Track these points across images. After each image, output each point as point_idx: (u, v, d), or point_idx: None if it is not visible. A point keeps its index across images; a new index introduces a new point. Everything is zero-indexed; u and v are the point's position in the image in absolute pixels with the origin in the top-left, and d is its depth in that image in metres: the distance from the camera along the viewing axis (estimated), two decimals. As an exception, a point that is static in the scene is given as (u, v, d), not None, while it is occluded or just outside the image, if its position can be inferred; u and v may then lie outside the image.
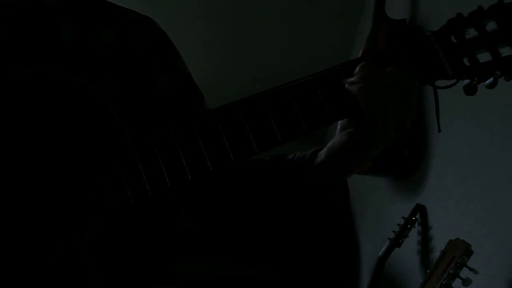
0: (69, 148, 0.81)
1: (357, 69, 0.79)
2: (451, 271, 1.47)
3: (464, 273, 1.46)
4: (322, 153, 0.85)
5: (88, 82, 0.82)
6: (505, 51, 0.78)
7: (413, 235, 2.04)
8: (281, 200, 0.91)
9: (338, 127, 0.83)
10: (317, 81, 0.79)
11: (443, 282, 1.48)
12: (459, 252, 1.47)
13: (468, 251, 1.47)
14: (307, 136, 0.80)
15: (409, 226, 2.00)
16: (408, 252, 2.08)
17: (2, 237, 0.80)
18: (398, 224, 2.03)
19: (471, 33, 0.79)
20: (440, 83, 0.81)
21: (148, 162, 0.80)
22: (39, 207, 0.80)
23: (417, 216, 2.01)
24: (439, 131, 0.85)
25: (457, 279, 1.46)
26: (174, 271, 0.96)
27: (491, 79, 0.79)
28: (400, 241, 2.02)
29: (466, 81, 0.80)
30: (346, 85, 0.79)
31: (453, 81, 0.79)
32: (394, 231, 2.04)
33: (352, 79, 0.78)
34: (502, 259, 1.52)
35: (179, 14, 2.97)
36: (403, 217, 2.02)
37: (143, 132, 0.81)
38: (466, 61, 0.79)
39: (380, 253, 2.06)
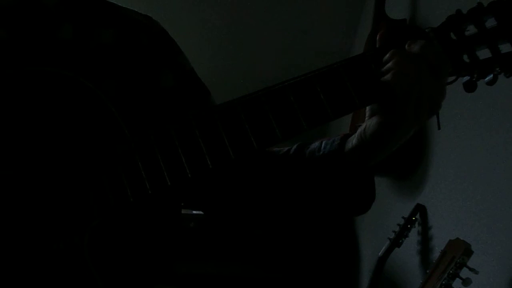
0: (68, 147, 0.81)
1: (387, 56, 0.78)
2: (451, 271, 1.46)
3: (464, 273, 1.45)
4: (353, 138, 0.85)
5: (87, 81, 0.82)
6: (504, 48, 0.78)
7: (413, 235, 2.04)
8: (309, 191, 0.91)
9: (367, 113, 0.83)
10: (316, 78, 0.79)
11: (443, 282, 1.47)
12: (459, 252, 1.47)
13: (468, 251, 1.46)
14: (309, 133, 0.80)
15: (409, 226, 2.00)
16: (408, 252, 2.07)
17: (2, 235, 0.80)
18: (398, 224, 2.03)
19: (471, 30, 0.79)
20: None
21: (147, 160, 0.79)
22: (39, 205, 0.80)
23: (417, 216, 2.01)
24: (439, 128, 0.85)
25: (457, 279, 1.46)
26: (174, 271, 0.95)
27: (491, 75, 0.78)
28: (400, 241, 2.01)
29: (466, 78, 0.79)
30: (380, 72, 0.78)
31: (453, 77, 0.79)
32: (394, 231, 2.04)
33: (387, 65, 0.78)
34: (502, 259, 1.52)
35: (180, 13, 2.97)
36: (403, 217, 2.02)
37: (146, 130, 0.81)
38: (465, 58, 0.79)
39: (380, 253, 2.06)
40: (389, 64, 0.78)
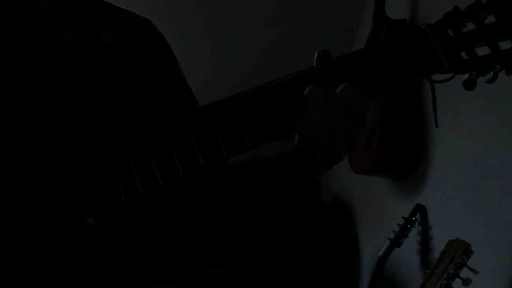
0: (62, 145, 0.81)
1: (305, 92, 0.79)
2: (451, 271, 1.46)
3: (464, 273, 1.45)
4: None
5: (83, 81, 0.82)
6: (504, 45, 0.77)
7: (413, 235, 2.04)
8: (270, 196, 0.92)
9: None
10: (311, 76, 0.79)
11: (443, 282, 1.47)
12: (459, 252, 1.47)
13: (468, 251, 1.46)
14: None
15: (409, 226, 2.00)
16: (408, 252, 2.07)
17: None
18: (398, 224, 2.03)
19: (469, 26, 0.78)
20: (437, 77, 0.80)
21: (139, 158, 0.79)
22: (31, 204, 0.80)
23: (417, 216, 2.01)
24: (437, 126, 0.84)
25: (457, 279, 1.46)
26: (174, 271, 0.95)
27: (491, 73, 0.77)
28: (400, 241, 2.01)
29: (466, 76, 0.78)
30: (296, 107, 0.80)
31: (450, 75, 0.78)
32: (394, 231, 2.04)
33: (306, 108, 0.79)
34: (502, 259, 1.52)
35: (179, 14, 2.97)
36: (403, 217, 2.02)
37: (137, 131, 0.81)
38: (464, 55, 0.78)
39: (380, 253, 2.06)
40: (307, 108, 0.78)
